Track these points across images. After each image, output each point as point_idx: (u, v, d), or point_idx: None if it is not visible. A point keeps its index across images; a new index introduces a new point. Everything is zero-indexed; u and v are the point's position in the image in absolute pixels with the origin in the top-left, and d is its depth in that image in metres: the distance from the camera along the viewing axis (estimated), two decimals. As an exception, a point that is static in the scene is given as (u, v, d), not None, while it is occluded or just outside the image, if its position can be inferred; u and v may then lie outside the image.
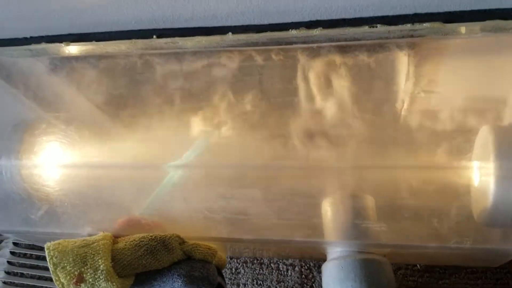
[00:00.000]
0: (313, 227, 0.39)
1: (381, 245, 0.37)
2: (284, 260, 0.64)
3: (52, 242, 0.37)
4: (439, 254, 0.40)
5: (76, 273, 0.36)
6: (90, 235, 0.42)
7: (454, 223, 0.36)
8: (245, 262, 0.66)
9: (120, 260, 0.38)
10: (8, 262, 0.72)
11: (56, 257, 0.37)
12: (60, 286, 0.36)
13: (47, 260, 0.37)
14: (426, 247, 0.36)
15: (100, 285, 0.36)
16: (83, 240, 0.39)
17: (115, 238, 0.41)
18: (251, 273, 0.65)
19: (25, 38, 0.41)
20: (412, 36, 0.35)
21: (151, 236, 0.39)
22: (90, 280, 0.36)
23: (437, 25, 0.34)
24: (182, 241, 0.40)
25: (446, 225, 0.36)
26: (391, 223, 0.37)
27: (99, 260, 0.37)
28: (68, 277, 0.36)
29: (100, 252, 0.37)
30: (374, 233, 0.37)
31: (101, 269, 0.36)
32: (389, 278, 0.39)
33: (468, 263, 0.50)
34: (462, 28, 0.34)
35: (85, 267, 0.36)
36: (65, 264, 0.37)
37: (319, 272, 0.63)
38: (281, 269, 0.64)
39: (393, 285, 0.38)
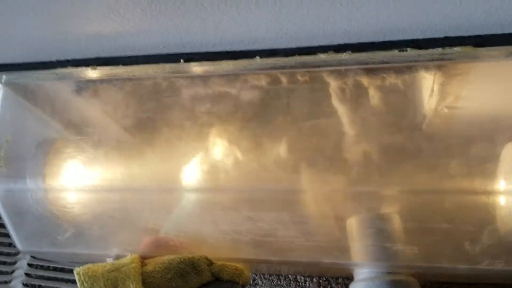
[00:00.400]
0: (341, 248, 0.39)
1: (410, 267, 0.38)
2: (302, 271, 0.64)
3: (81, 267, 0.38)
4: (469, 274, 0.40)
5: (108, 298, 0.36)
6: (117, 256, 0.42)
7: (485, 245, 0.36)
8: (263, 273, 0.66)
9: (150, 283, 0.38)
10: (26, 274, 0.72)
11: (87, 282, 0.37)
12: None
13: (78, 285, 0.37)
14: (457, 269, 0.36)
15: (132, 309, 0.37)
16: (112, 264, 0.39)
17: (142, 259, 0.41)
18: (269, 284, 0.65)
19: (51, 62, 0.41)
20: (442, 59, 0.35)
21: (179, 258, 0.39)
22: (123, 304, 0.36)
23: (467, 49, 0.34)
24: (210, 262, 0.40)
25: (478, 247, 0.36)
26: (420, 244, 0.37)
27: (130, 284, 0.37)
28: (101, 302, 0.36)
29: (131, 276, 0.37)
30: (403, 255, 0.37)
31: (133, 293, 0.36)
32: (417, 297, 0.39)
33: (497, 281, 0.50)
34: (492, 52, 0.34)
35: (117, 292, 0.37)
36: (97, 289, 0.37)
37: (337, 284, 0.63)
38: (299, 280, 0.65)
39: (421, 305, 0.38)
